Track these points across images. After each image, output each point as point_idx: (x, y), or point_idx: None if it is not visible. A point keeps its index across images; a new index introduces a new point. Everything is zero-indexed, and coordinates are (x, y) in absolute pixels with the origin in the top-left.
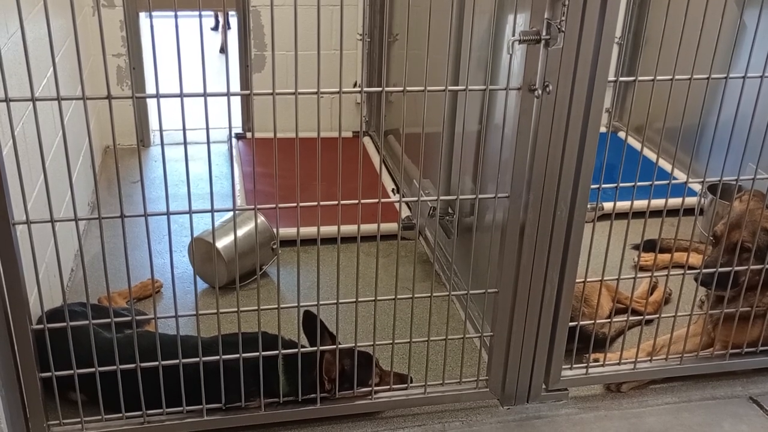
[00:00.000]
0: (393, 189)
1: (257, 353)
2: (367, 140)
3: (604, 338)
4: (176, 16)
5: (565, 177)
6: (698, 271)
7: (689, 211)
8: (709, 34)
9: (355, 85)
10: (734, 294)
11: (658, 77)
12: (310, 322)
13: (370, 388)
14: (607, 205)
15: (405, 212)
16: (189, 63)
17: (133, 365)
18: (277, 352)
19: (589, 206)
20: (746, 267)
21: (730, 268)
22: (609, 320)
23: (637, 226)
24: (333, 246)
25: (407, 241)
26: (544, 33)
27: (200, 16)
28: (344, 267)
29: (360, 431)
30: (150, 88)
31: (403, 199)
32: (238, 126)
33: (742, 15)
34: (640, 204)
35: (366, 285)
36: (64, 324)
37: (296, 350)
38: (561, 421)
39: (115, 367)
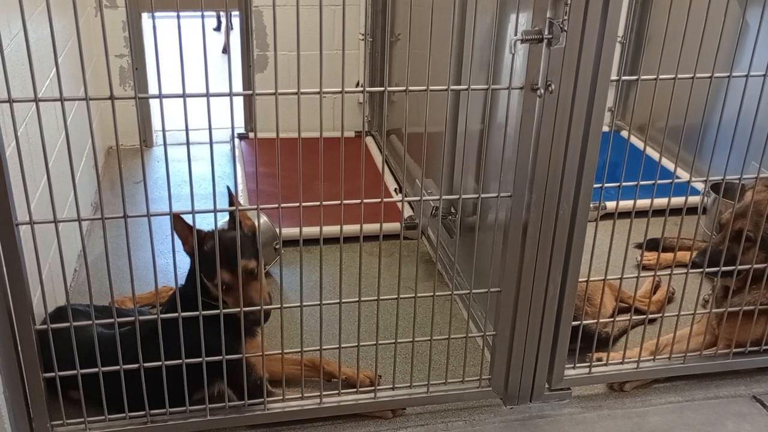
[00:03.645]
0: (395, 189)
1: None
2: (369, 140)
3: (607, 337)
4: (178, 17)
5: (568, 176)
6: (702, 271)
7: (692, 210)
8: (712, 32)
9: (357, 85)
10: (739, 285)
11: (661, 76)
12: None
13: (373, 388)
14: (610, 204)
15: (407, 212)
16: (191, 63)
17: (136, 365)
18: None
19: (591, 205)
20: (749, 255)
21: (733, 256)
22: (612, 319)
23: (640, 225)
24: (335, 246)
25: (410, 240)
26: (546, 32)
27: (202, 16)
28: (347, 267)
29: (363, 430)
30: (152, 89)
31: (406, 199)
32: (240, 126)
33: (745, 14)
34: (643, 203)
35: (368, 284)
36: (68, 324)
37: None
38: (564, 421)
39: (116, 363)
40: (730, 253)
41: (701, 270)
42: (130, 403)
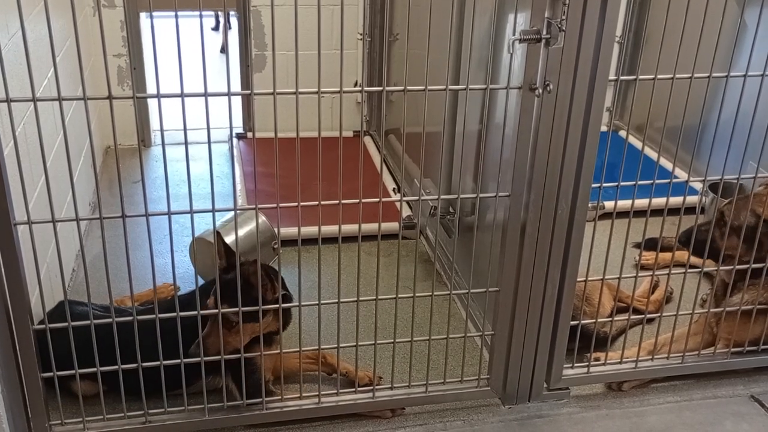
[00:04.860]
0: (394, 188)
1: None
2: (367, 140)
3: (606, 337)
4: (177, 16)
5: (566, 176)
6: (700, 270)
7: (690, 210)
8: (710, 32)
9: (355, 85)
10: (736, 278)
11: (659, 76)
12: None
13: (372, 387)
14: (608, 204)
15: (406, 211)
16: (190, 63)
17: (134, 363)
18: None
19: (590, 205)
20: (729, 242)
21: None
22: (610, 319)
23: (639, 225)
24: (334, 245)
25: (408, 240)
26: (544, 32)
27: (201, 16)
28: (345, 266)
29: (361, 430)
30: (151, 88)
31: (404, 199)
32: (238, 126)
33: (743, 14)
34: (641, 203)
35: (367, 284)
36: (65, 324)
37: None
38: (562, 420)
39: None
40: (713, 237)
41: (699, 270)
42: (132, 387)
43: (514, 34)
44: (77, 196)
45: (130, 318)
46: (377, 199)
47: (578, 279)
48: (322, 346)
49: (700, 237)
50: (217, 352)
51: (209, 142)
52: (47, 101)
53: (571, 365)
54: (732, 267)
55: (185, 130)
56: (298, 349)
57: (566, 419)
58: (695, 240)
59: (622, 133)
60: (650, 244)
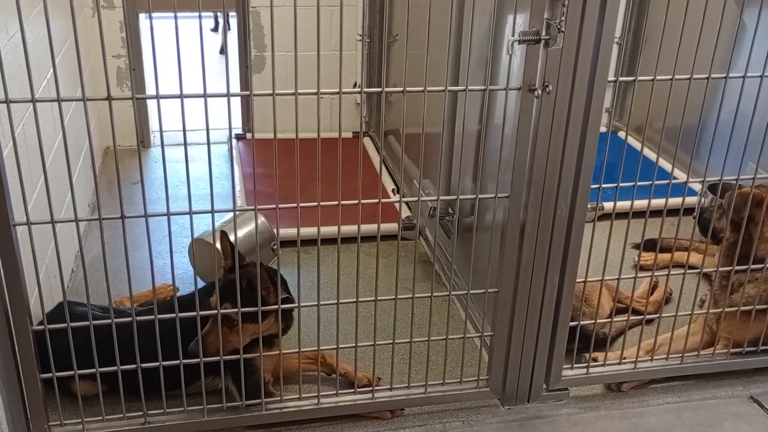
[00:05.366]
0: (393, 189)
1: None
2: (367, 140)
3: (605, 338)
4: (176, 17)
5: (565, 177)
6: (699, 270)
7: (689, 211)
8: (709, 33)
9: (355, 86)
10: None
11: (658, 77)
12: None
13: (371, 388)
14: (608, 205)
15: (405, 212)
16: (189, 64)
17: (133, 364)
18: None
19: (589, 206)
20: (720, 224)
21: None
22: (609, 320)
23: (638, 226)
24: (333, 246)
25: (407, 241)
26: (543, 33)
27: (200, 17)
28: (344, 267)
29: (361, 431)
30: (150, 89)
31: (404, 200)
32: (238, 127)
33: (742, 14)
34: (641, 203)
35: (366, 285)
36: (65, 325)
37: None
38: (562, 421)
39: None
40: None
41: (699, 270)
42: (132, 388)
43: (513, 35)
44: (76, 197)
45: (129, 319)
46: (376, 200)
47: (577, 280)
48: (321, 347)
49: (706, 215)
50: (216, 350)
51: (208, 143)
52: (46, 102)
53: (570, 366)
54: (731, 268)
55: (184, 131)
56: (297, 350)
57: (565, 420)
58: (701, 218)
59: (621, 134)
60: (649, 245)
